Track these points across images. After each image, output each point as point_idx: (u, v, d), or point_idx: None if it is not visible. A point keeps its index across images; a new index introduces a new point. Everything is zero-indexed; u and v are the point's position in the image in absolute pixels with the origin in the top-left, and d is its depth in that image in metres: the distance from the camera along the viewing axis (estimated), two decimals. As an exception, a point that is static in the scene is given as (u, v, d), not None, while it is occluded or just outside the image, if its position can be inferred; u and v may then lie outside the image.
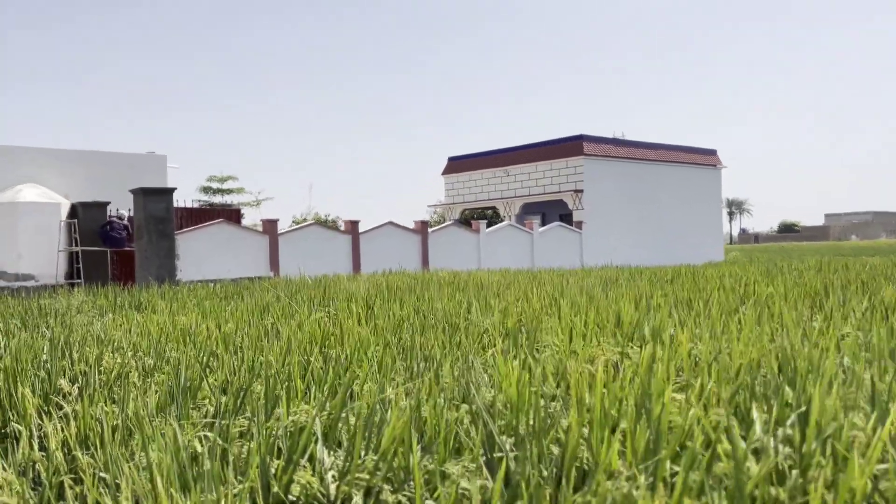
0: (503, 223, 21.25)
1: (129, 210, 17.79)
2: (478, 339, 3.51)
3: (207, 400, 3.10)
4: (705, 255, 26.48)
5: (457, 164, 29.00)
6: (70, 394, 3.76)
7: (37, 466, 2.93)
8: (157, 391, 3.36)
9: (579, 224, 23.34)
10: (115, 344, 4.70)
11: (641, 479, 1.75)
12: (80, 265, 16.54)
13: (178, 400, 3.02)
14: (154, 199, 14.60)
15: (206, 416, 2.88)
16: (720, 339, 3.26)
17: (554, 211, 26.56)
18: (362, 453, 2.14)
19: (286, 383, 2.89)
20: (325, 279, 9.57)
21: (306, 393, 2.93)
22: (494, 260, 19.88)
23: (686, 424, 2.10)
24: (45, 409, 3.61)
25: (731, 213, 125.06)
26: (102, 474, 2.65)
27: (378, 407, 2.37)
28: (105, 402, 3.31)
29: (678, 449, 2.06)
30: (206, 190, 32.71)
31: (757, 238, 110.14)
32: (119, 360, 4.03)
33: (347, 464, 2.10)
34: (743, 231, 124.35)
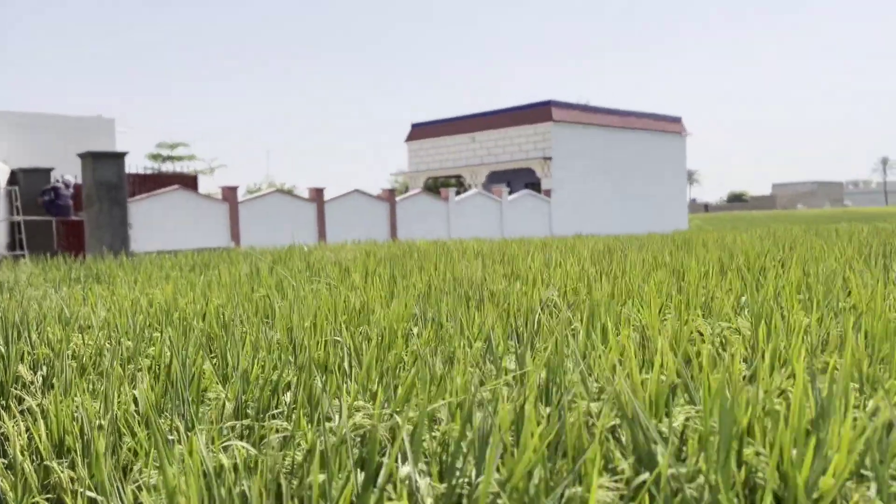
0: (472, 191, 20.66)
1: (76, 176, 16.58)
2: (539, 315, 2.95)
3: (219, 394, 2.48)
4: (671, 223, 26.45)
5: (420, 131, 28.14)
6: (33, 384, 3.08)
7: (-2, 481, 2.29)
8: (149, 382, 2.72)
9: (548, 192, 22.88)
10: (83, 322, 3.99)
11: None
12: (23, 236, 15.36)
13: (184, 395, 2.37)
14: (104, 163, 13.54)
15: (223, 417, 2.26)
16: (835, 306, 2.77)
17: (520, 179, 26.06)
18: (472, 472, 1.57)
19: (327, 374, 2.28)
20: (303, 248, 8.87)
21: (349, 384, 2.33)
22: (464, 229, 19.34)
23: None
24: (2, 403, 2.93)
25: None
26: (92, 494, 2.02)
27: (468, 408, 1.80)
28: (83, 393, 2.64)
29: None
30: (155, 157, 31.10)
31: (707, 207, 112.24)
32: (90, 342, 3.34)
33: (454, 488, 1.54)
34: (693, 200, 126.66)
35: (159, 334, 3.44)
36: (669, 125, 28.06)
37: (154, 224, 14.28)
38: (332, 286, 4.65)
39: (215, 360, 2.90)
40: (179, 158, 31.18)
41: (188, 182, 15.83)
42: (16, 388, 3.02)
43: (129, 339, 3.41)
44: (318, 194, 16.75)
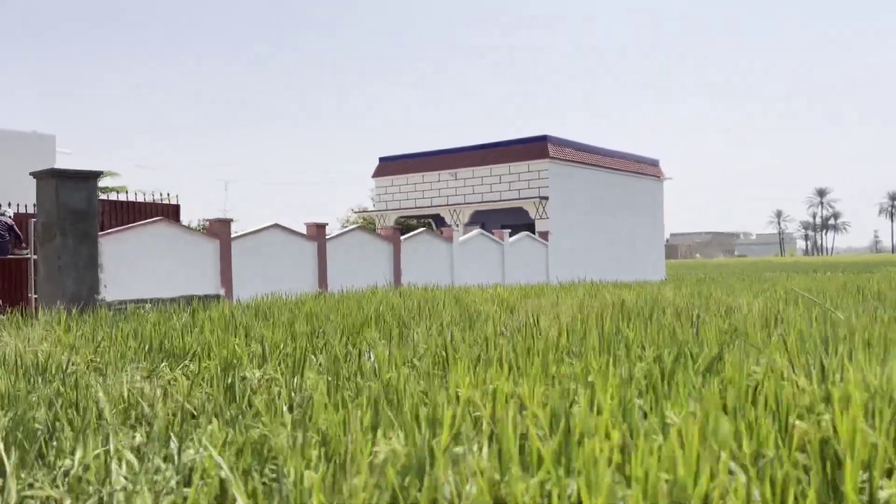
0: (474, 231, 18.57)
1: (10, 205, 13.34)
2: None
3: None
4: (652, 271, 25.30)
5: (389, 167, 25.78)
6: None
7: None
8: None
9: (544, 234, 21.08)
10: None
11: None
12: (-57, 278, 11.93)
13: None
14: (71, 185, 10.56)
15: None
16: None
17: (495, 220, 24.14)
18: None
19: None
20: (433, 292, 6.49)
21: None
22: (467, 273, 17.20)
23: None
24: None
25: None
26: None
27: None
28: None
29: None
30: (75, 187, 27.00)
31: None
32: None
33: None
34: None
35: None
36: (649, 168, 27.12)
37: (129, 265, 11.29)
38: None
39: None
40: (106, 190, 27.23)
41: (169, 212, 12.88)
42: None
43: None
44: (318, 231, 14.16)
